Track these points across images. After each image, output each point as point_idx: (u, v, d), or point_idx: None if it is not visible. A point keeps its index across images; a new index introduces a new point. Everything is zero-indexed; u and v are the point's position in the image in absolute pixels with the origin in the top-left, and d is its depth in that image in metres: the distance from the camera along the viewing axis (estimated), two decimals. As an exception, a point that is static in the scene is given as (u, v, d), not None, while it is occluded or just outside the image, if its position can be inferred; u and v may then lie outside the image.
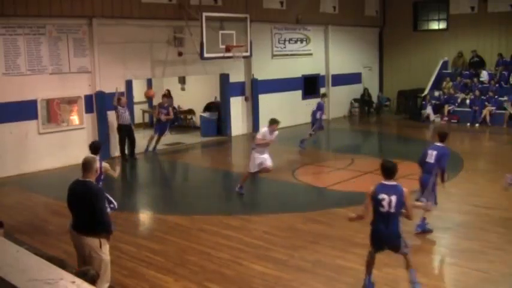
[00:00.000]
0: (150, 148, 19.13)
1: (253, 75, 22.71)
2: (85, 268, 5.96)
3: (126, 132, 17.77)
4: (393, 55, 29.69)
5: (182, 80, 24.61)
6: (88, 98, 17.68)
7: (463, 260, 9.11)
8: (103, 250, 7.05)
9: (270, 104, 23.17)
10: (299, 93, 25.29)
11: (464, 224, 11.23)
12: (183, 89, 24.92)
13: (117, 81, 18.25)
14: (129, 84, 18.97)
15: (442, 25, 28.60)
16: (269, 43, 23.59)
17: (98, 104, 17.77)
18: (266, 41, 23.31)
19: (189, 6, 19.31)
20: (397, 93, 28.60)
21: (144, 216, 12.71)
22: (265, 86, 23.11)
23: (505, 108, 23.77)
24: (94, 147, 10.39)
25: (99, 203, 7.01)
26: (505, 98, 24.08)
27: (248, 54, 20.29)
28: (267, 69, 23.35)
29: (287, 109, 24.24)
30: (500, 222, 11.01)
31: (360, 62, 28.71)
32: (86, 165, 7.06)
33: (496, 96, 24.47)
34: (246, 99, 22.74)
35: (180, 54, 19.73)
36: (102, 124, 17.89)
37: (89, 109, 17.75)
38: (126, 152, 17.95)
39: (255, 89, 22.82)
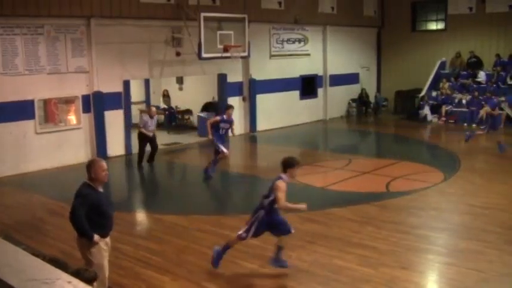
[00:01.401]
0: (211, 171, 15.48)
1: (251, 75, 22.72)
2: (83, 268, 5.96)
3: (147, 141, 16.98)
4: (391, 55, 29.69)
5: (180, 80, 24.63)
6: (85, 98, 17.68)
7: (461, 260, 9.13)
8: (92, 253, 7.00)
9: (267, 104, 23.24)
10: (297, 93, 25.30)
11: (461, 224, 11.25)
12: (180, 88, 24.95)
13: (115, 82, 18.27)
14: (126, 84, 18.94)
15: (441, 25, 28.61)
16: (267, 43, 23.60)
17: (96, 104, 17.78)
18: (264, 41, 23.31)
19: (187, 6, 19.31)
20: (394, 93, 28.63)
21: (142, 216, 12.72)
22: (263, 86, 23.12)
23: (502, 109, 23.80)
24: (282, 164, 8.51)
25: (74, 205, 6.94)
26: (503, 99, 24.12)
27: (246, 54, 20.30)
28: (265, 69, 23.37)
29: (285, 109, 24.31)
30: (498, 222, 11.03)
31: (357, 62, 28.71)
32: (86, 166, 7.11)
33: (493, 97, 24.50)
34: (243, 99, 22.76)
35: (178, 54, 19.74)
36: (100, 124, 17.90)
37: (86, 109, 17.75)
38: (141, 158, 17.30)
39: (252, 89, 22.83)
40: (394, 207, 12.41)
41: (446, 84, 26.55)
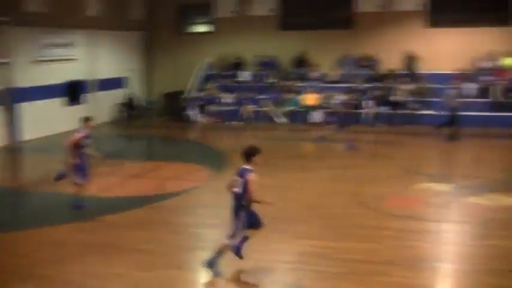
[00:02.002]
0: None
1: (12, 82, 21.39)
2: None
3: None
4: (159, 58, 30.06)
5: None
6: None
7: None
8: None
9: (32, 112, 22.04)
10: (63, 100, 24.37)
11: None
12: None
13: None
14: None
15: (207, 28, 29.66)
16: (31, 48, 22.33)
17: None
18: (28, 46, 22.04)
19: None
20: (163, 95, 28.90)
21: None
22: (27, 94, 21.86)
23: (264, 106, 25.30)
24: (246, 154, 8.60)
25: None
26: (265, 96, 25.67)
27: (7, 60, 19.13)
28: (28, 76, 22.11)
29: (51, 117, 23.22)
30: (265, 213, 11.62)
31: (125, 65, 28.55)
32: None
33: (256, 95, 26.00)
34: (5, 109, 21.32)
35: None
36: None
37: None
38: None
39: (15, 97, 21.50)
40: (166, 208, 12.57)
41: (212, 85, 27.53)
